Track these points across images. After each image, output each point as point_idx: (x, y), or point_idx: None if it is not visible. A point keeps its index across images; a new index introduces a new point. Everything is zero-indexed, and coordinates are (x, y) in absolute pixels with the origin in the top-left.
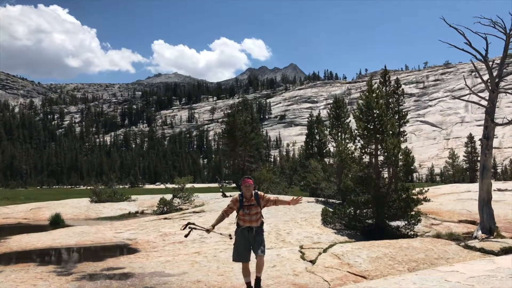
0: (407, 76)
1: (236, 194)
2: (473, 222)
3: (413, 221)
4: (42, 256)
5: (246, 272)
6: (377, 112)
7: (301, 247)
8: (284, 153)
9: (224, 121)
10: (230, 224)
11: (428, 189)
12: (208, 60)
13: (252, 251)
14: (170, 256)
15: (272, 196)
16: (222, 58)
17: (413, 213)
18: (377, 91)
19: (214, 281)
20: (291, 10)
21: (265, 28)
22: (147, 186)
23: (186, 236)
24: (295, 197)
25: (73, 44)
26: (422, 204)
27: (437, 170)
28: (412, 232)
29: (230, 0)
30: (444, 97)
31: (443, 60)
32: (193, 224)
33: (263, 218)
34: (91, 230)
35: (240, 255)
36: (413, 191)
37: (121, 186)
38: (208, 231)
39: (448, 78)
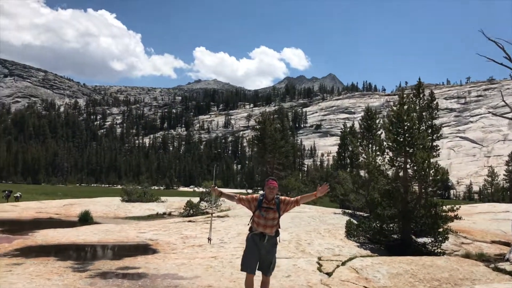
0: (448, 90)
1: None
2: (507, 244)
3: (440, 239)
4: (63, 251)
5: (249, 286)
6: (408, 124)
7: (320, 258)
8: (318, 163)
9: (255, 127)
10: (238, 235)
11: (459, 207)
12: (247, 68)
13: (259, 267)
14: (187, 259)
15: (294, 198)
16: (261, 67)
17: (440, 230)
18: (409, 104)
19: (225, 287)
20: (332, 20)
21: (305, 38)
22: (181, 189)
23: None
24: (320, 187)
25: (119, 48)
26: (452, 221)
27: (475, 188)
28: (439, 250)
29: (271, 9)
30: (486, 114)
31: (486, 75)
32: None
33: (279, 227)
34: (116, 228)
35: (245, 264)
36: (444, 208)
37: (156, 188)
38: (214, 188)
39: (491, 94)
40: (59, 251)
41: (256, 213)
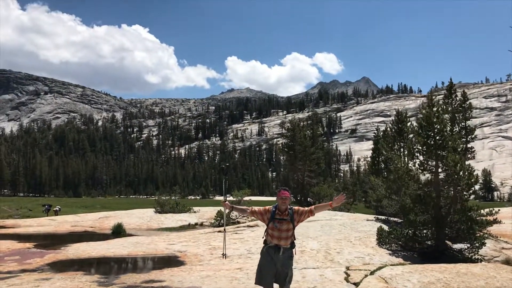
0: (488, 89)
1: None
2: None
3: (477, 244)
4: (92, 265)
5: None
6: (438, 127)
7: (348, 268)
8: (355, 168)
9: (285, 135)
10: (248, 253)
11: (499, 210)
12: (279, 75)
13: (275, 280)
14: (212, 271)
15: (308, 208)
16: (293, 73)
17: (477, 235)
18: (440, 106)
19: None
20: (363, 23)
21: (337, 42)
22: (217, 198)
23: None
24: (336, 197)
25: (152, 61)
26: (491, 226)
27: None
28: (476, 256)
29: (301, 15)
30: None
31: None
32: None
33: (295, 238)
34: (146, 241)
35: (262, 278)
36: (481, 212)
37: (192, 197)
38: (224, 202)
39: None
40: (88, 265)
41: (270, 225)
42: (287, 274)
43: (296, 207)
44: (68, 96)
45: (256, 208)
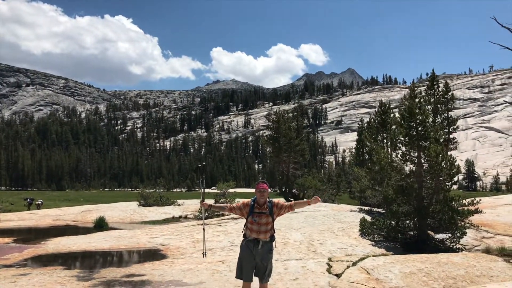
0: (471, 80)
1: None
2: None
3: (458, 234)
4: (72, 260)
5: None
6: (420, 118)
7: (330, 259)
8: (340, 159)
9: (269, 127)
10: (231, 245)
11: (480, 200)
12: (265, 66)
13: (255, 273)
14: (194, 264)
15: (288, 203)
16: (279, 64)
17: (459, 225)
18: (423, 96)
19: None
20: (349, 14)
21: (323, 33)
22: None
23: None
24: (313, 199)
25: (136, 52)
26: (472, 215)
27: (502, 179)
28: (457, 246)
29: (287, 6)
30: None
31: (510, 63)
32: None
33: (274, 231)
34: (128, 234)
35: (242, 272)
36: (463, 202)
37: (178, 190)
38: (201, 202)
39: None
40: (68, 260)
41: (249, 219)
42: (266, 267)
43: (275, 200)
44: (50, 88)
45: (234, 204)
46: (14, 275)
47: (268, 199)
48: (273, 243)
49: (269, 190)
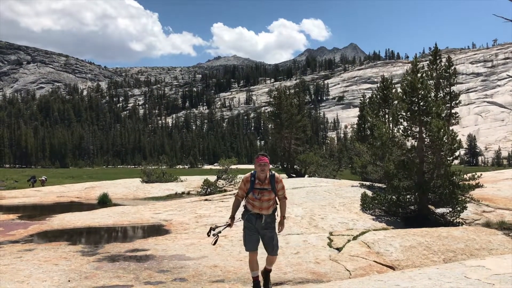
0: (474, 54)
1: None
2: None
3: (458, 208)
4: (76, 235)
5: (253, 265)
6: (422, 92)
7: (331, 233)
8: (342, 135)
9: (271, 103)
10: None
11: (481, 174)
12: (267, 42)
13: (263, 246)
14: (197, 239)
15: (285, 192)
16: (281, 40)
17: (460, 199)
18: (425, 71)
19: (231, 266)
20: None
21: (325, 8)
22: (206, 167)
23: (213, 244)
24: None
25: (137, 28)
26: (473, 190)
27: (504, 153)
28: (458, 220)
29: None
30: None
31: None
32: (215, 226)
33: (277, 203)
34: (131, 210)
35: (247, 243)
36: (464, 177)
37: (181, 167)
38: (230, 225)
39: None
40: (73, 235)
41: (250, 195)
42: (273, 238)
43: (278, 176)
44: (51, 66)
45: (238, 190)
46: (20, 250)
47: (270, 173)
48: (275, 213)
49: (270, 166)
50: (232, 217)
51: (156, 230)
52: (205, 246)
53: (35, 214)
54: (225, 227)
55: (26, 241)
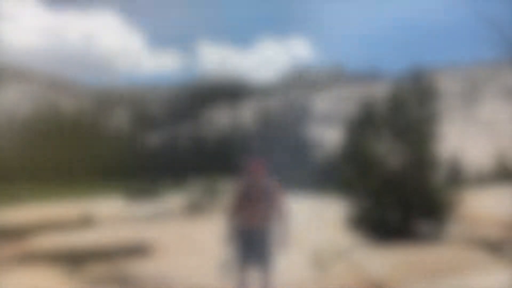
0: (456, 72)
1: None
2: None
3: (442, 225)
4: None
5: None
6: (405, 110)
7: (315, 252)
8: None
9: None
10: None
11: (465, 191)
12: (252, 60)
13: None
14: (184, 255)
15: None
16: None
17: (442, 216)
18: (408, 89)
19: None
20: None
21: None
22: None
23: None
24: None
25: (121, 46)
26: (458, 207)
27: (487, 170)
28: (442, 237)
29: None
30: (497, 93)
31: (496, 55)
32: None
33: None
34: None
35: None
36: (448, 193)
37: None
38: None
39: (501, 72)
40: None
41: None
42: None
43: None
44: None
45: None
46: None
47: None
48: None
49: None
50: None
51: (139, 249)
52: (193, 264)
53: None
54: None
55: None
